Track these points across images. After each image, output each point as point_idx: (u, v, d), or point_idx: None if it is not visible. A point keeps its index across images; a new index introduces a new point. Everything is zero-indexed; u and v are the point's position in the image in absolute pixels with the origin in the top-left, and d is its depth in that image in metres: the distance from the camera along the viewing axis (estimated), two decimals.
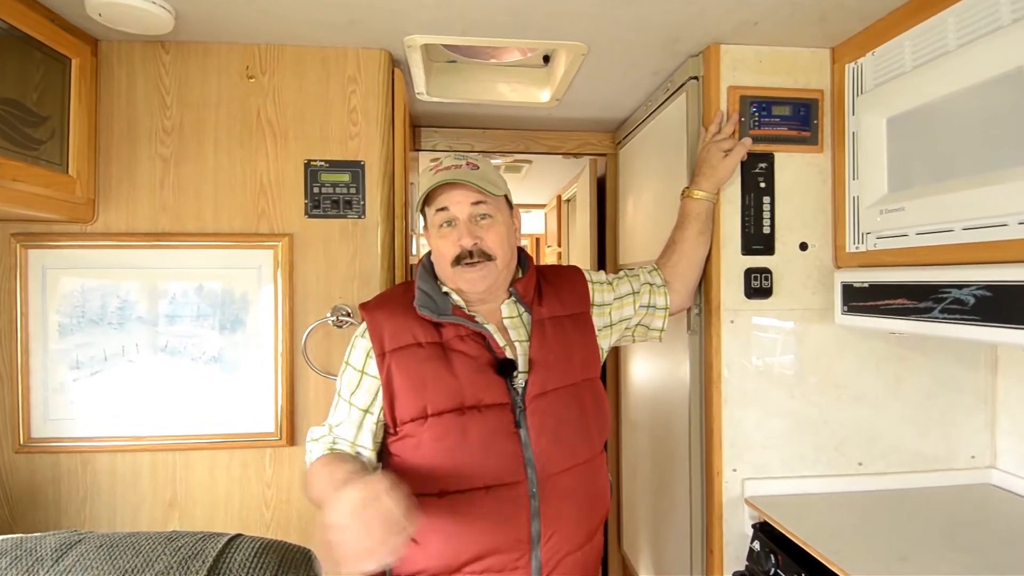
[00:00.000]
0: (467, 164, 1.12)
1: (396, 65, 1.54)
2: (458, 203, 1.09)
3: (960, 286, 1.03)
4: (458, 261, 1.09)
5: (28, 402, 1.39)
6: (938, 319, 1.08)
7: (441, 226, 1.11)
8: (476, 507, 1.03)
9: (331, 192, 1.48)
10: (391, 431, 1.09)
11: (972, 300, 1.01)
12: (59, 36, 1.26)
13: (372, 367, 1.10)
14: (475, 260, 1.09)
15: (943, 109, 1.09)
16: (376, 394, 1.09)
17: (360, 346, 1.12)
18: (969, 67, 1.03)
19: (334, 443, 1.11)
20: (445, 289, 1.15)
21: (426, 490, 1.03)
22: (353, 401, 1.11)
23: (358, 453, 1.10)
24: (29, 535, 0.90)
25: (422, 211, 1.16)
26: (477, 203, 1.10)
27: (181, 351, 1.44)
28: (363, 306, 1.15)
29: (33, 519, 1.41)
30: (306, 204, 1.47)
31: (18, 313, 1.38)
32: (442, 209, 1.10)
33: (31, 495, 1.41)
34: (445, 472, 1.03)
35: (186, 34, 1.39)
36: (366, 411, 1.10)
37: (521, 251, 1.23)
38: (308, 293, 1.48)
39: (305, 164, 1.47)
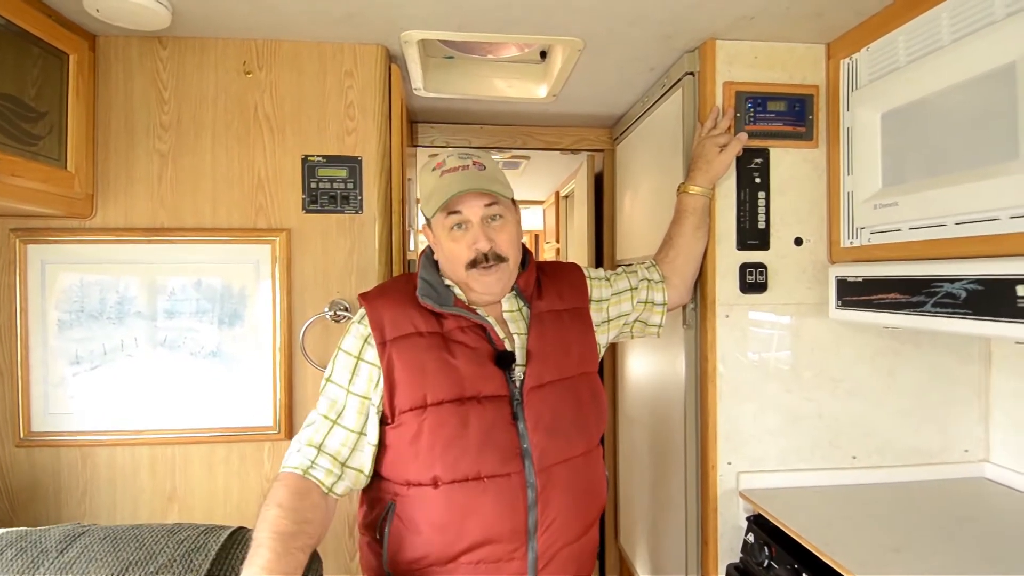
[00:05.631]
0: (474, 164, 1.11)
1: (393, 60, 1.54)
2: (471, 206, 1.09)
3: (952, 280, 1.04)
4: (474, 264, 1.09)
5: (28, 396, 1.40)
6: (930, 313, 1.09)
7: (452, 228, 1.10)
8: (473, 497, 1.03)
9: (328, 187, 1.48)
10: (388, 420, 1.09)
11: (964, 294, 1.02)
12: (57, 32, 1.26)
13: (370, 354, 1.08)
14: (490, 264, 1.09)
15: (937, 104, 1.10)
16: (376, 382, 1.08)
17: (356, 332, 1.11)
18: (962, 62, 1.03)
19: (312, 465, 1.03)
20: (447, 282, 1.15)
21: (423, 480, 1.04)
22: (352, 389, 1.08)
23: (332, 487, 1.03)
24: (34, 528, 0.91)
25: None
26: (490, 204, 1.10)
27: (180, 346, 1.44)
28: (363, 296, 1.14)
29: (34, 512, 1.42)
30: (303, 199, 1.48)
31: (17, 308, 1.39)
32: (454, 212, 1.09)
33: (31, 488, 1.42)
34: (443, 462, 1.03)
35: (183, 29, 1.39)
36: (365, 398, 1.08)
37: (522, 247, 1.23)
38: (306, 288, 1.49)
39: (302, 159, 1.48)
